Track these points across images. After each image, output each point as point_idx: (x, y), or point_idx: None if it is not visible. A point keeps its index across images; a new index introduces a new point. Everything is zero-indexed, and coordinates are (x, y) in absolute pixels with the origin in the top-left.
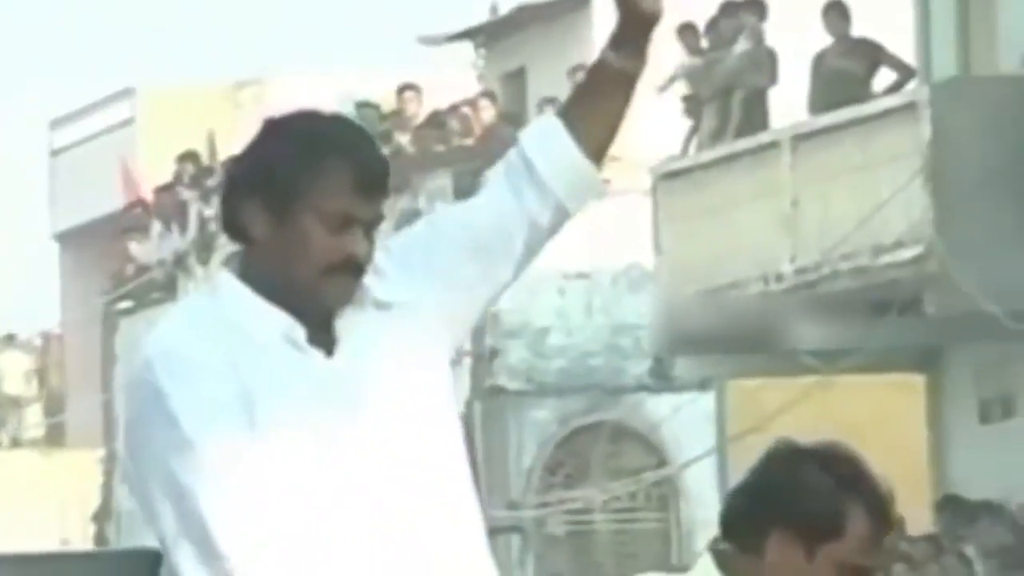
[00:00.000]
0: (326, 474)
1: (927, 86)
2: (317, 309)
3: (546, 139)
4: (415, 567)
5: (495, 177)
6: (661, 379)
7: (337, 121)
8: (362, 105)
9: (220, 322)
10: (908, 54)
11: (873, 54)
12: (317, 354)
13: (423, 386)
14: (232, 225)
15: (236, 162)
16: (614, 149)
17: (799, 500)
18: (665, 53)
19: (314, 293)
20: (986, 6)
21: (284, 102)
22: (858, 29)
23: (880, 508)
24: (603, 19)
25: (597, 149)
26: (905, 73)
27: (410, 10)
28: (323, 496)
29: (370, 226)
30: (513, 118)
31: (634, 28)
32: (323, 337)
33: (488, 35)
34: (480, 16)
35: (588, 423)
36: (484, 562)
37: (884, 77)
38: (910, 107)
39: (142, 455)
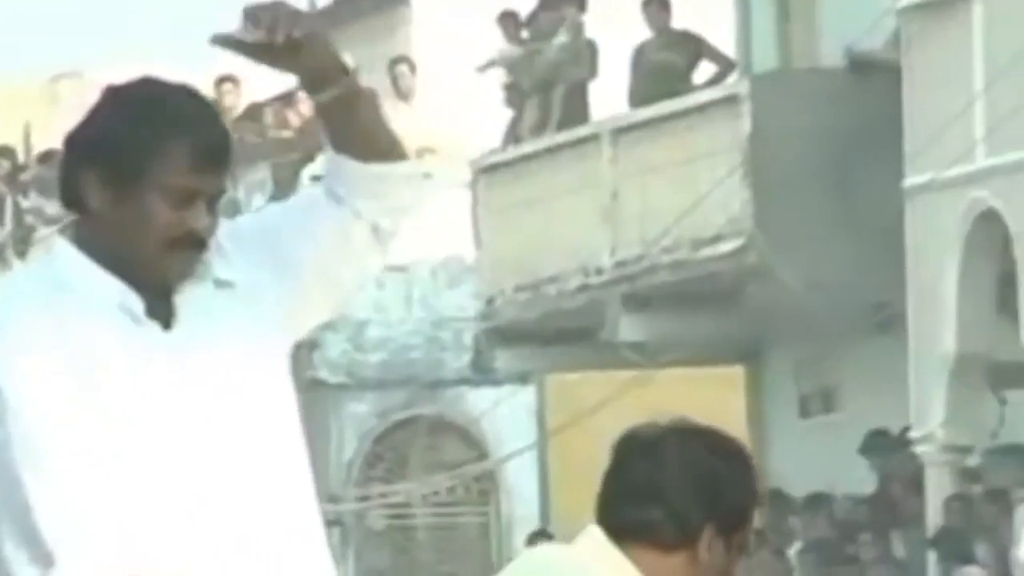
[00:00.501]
0: (156, 450)
1: (747, 79)
2: (157, 283)
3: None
4: (248, 550)
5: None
6: (481, 372)
7: (178, 93)
8: None
9: (53, 288)
10: (729, 47)
11: (693, 47)
12: (154, 326)
13: (260, 368)
14: (69, 194)
15: (77, 129)
16: (432, 142)
17: (732, 495)
18: (488, 40)
19: (154, 267)
20: None
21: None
22: (678, 22)
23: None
24: (422, 11)
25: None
26: (725, 66)
27: (231, 3)
28: (152, 473)
29: (212, 199)
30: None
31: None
32: (161, 310)
33: None
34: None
35: (408, 417)
36: (319, 549)
37: (705, 70)
38: (730, 100)
39: None
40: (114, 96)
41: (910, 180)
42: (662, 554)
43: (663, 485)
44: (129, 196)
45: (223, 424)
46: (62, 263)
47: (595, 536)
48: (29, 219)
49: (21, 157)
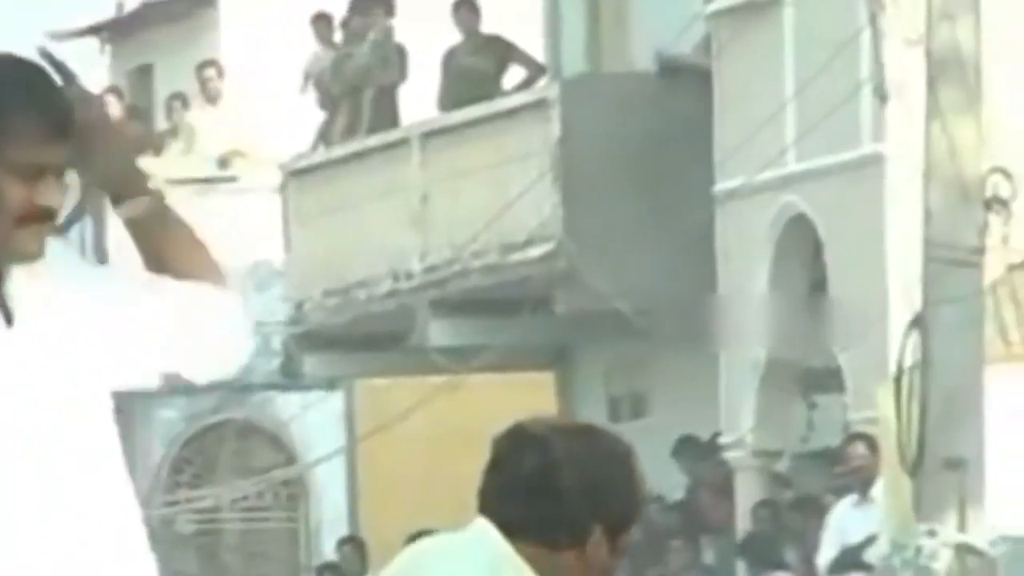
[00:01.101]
0: None
1: (557, 83)
2: (5, 261)
3: None
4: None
5: None
6: (290, 377)
7: (15, 65)
8: None
9: None
10: (538, 51)
11: (503, 51)
12: None
13: (90, 377)
14: None
15: None
16: (241, 146)
17: (621, 497)
18: (297, 43)
19: (5, 245)
20: (617, 2)
21: None
22: (488, 26)
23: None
24: (230, 15)
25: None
26: (535, 70)
27: (37, 5)
28: None
29: (60, 172)
30: (140, 113)
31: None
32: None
33: (114, 31)
34: (106, 13)
35: (216, 421)
36: (140, 552)
37: (515, 74)
38: (540, 104)
39: None
40: None
41: (720, 185)
42: (549, 552)
43: (554, 484)
44: None
45: (49, 429)
46: None
47: (484, 528)
48: None
49: None
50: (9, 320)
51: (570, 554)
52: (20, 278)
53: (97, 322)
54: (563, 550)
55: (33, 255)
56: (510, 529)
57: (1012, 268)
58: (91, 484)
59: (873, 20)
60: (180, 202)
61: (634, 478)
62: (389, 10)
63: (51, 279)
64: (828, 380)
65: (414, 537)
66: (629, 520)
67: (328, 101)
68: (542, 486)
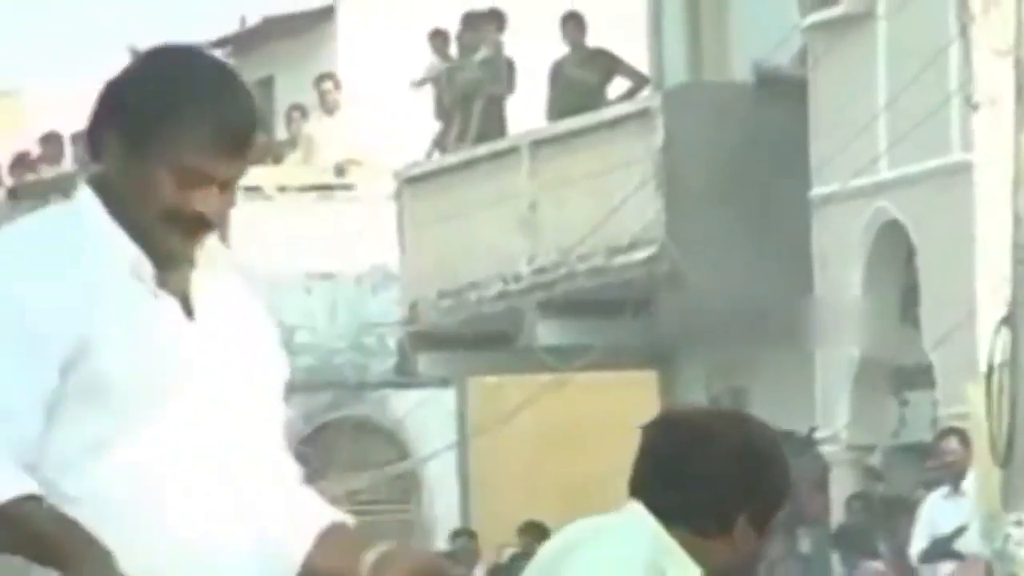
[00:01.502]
0: (191, 413)
1: (659, 93)
2: (159, 254)
3: None
4: (243, 518)
5: None
6: (405, 376)
7: (211, 68)
8: (79, 136)
9: (74, 242)
10: (642, 63)
11: (608, 63)
12: (171, 302)
13: (269, 370)
14: (94, 149)
15: (111, 81)
16: (357, 155)
17: (769, 487)
18: (411, 56)
19: (152, 237)
20: (717, 15)
21: (39, 115)
22: (593, 39)
23: None
24: (347, 30)
25: None
26: (638, 81)
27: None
28: (188, 433)
29: (225, 185)
30: (261, 124)
31: None
32: (173, 282)
33: (237, 45)
34: (230, 27)
35: (333, 419)
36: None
37: (619, 85)
38: (643, 113)
39: None
40: (139, 61)
41: (816, 191)
42: (698, 538)
43: (705, 472)
44: (140, 160)
45: (235, 412)
46: (86, 218)
47: (640, 511)
48: None
49: None
50: (190, 314)
51: (718, 541)
52: (197, 277)
53: (256, 316)
54: (711, 537)
55: (181, 256)
56: (660, 514)
57: None
58: (272, 448)
59: (963, 32)
60: (299, 209)
61: (782, 465)
62: (500, 25)
63: (218, 279)
64: (919, 377)
65: (524, 529)
66: (777, 506)
67: (442, 111)
68: (693, 473)
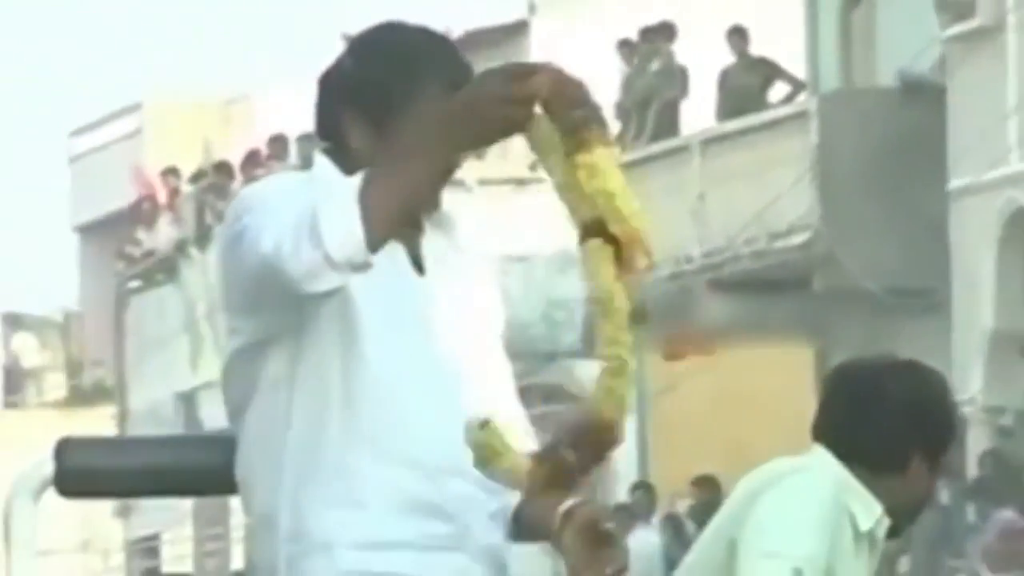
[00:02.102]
0: (421, 357)
1: (815, 97)
2: (414, 218)
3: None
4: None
5: None
6: (590, 346)
7: (427, 35)
8: (304, 137)
9: (306, 185)
10: (799, 70)
11: (769, 71)
12: (399, 252)
13: (493, 321)
14: (330, 131)
15: (332, 71)
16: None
17: (938, 426)
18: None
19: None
20: (867, 27)
21: (268, 117)
22: (756, 49)
23: None
24: (540, 41)
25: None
26: (796, 86)
27: (346, 25)
28: (418, 374)
29: None
30: None
31: None
32: (407, 240)
33: None
34: None
35: (526, 385)
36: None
37: (779, 89)
38: (800, 115)
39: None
40: (367, 42)
41: (953, 183)
42: (877, 476)
43: (879, 416)
44: (390, 133)
45: (459, 358)
46: (328, 179)
47: (824, 453)
48: (208, 219)
49: (195, 167)
50: (420, 270)
51: (894, 477)
52: (430, 240)
53: (485, 280)
54: (889, 475)
55: (433, 207)
56: (842, 456)
57: None
58: (498, 395)
59: None
60: (498, 199)
61: (949, 406)
62: (671, 36)
63: (445, 243)
64: None
65: (696, 481)
66: (946, 444)
67: (622, 113)
68: (869, 417)
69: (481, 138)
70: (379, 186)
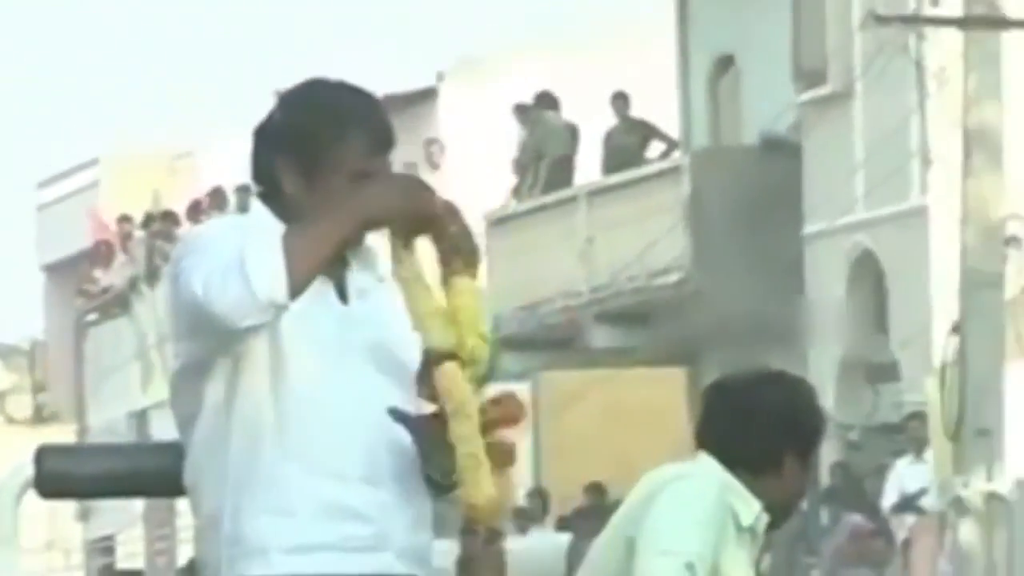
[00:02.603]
0: (336, 378)
1: (687, 154)
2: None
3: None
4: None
5: None
6: (491, 370)
7: (352, 93)
8: (241, 189)
9: (243, 225)
10: (673, 130)
11: (647, 131)
12: (330, 290)
13: (407, 343)
14: (264, 178)
15: (266, 124)
16: (456, 201)
17: (806, 428)
18: (497, 125)
19: None
20: (732, 93)
21: (210, 171)
22: (636, 111)
23: None
24: (447, 105)
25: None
26: (671, 144)
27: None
28: (331, 394)
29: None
30: None
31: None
32: (333, 272)
33: None
34: None
35: None
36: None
37: (656, 147)
38: (674, 170)
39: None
40: (299, 97)
41: (808, 228)
42: (755, 477)
43: (758, 423)
44: (319, 179)
45: (379, 377)
46: (256, 223)
47: (708, 459)
48: (156, 260)
49: (145, 214)
50: (345, 299)
51: (771, 477)
52: (353, 273)
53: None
54: (765, 474)
55: (360, 243)
56: (724, 461)
57: None
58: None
59: (922, 105)
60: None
61: (816, 410)
62: (556, 103)
63: (366, 275)
64: (888, 372)
65: (587, 488)
66: (815, 443)
67: (519, 168)
68: (747, 425)
69: (384, 220)
70: (301, 240)
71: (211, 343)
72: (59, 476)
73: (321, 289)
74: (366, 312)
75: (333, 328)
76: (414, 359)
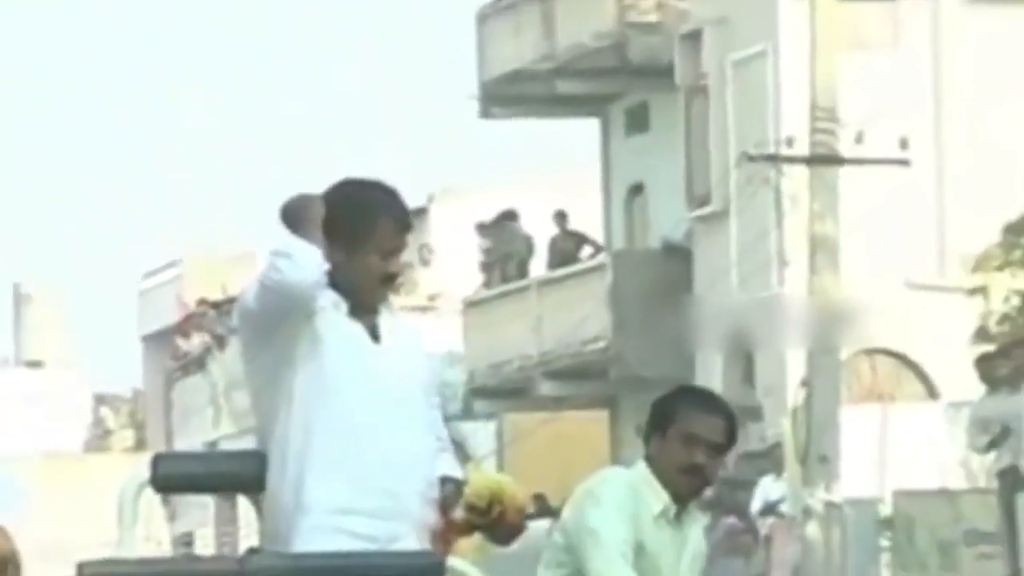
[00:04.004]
0: (367, 405)
1: (610, 255)
2: (371, 304)
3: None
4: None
5: None
6: (468, 412)
7: (379, 188)
8: None
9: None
10: (599, 236)
11: (580, 238)
12: (360, 327)
13: (424, 373)
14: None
15: (326, 209)
16: (442, 289)
17: (690, 403)
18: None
19: (373, 294)
20: (642, 209)
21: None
22: (573, 224)
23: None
24: (436, 220)
25: None
26: (597, 248)
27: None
28: (362, 421)
29: (402, 251)
30: None
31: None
32: (367, 319)
33: None
34: None
35: None
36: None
37: (586, 251)
38: (600, 267)
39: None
40: (336, 192)
41: (696, 309)
42: (648, 450)
43: (652, 407)
44: (356, 256)
45: (406, 405)
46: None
47: (616, 468)
48: (223, 332)
49: (213, 299)
50: (377, 339)
51: (656, 441)
52: (383, 318)
53: (419, 345)
54: (652, 439)
55: (386, 300)
56: (646, 458)
57: (854, 355)
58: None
59: (779, 222)
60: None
61: (706, 398)
62: (515, 217)
63: (395, 317)
64: (755, 414)
65: (534, 497)
66: (693, 421)
67: (486, 267)
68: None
69: None
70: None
71: (275, 351)
72: (167, 476)
73: (356, 330)
74: (396, 348)
75: (368, 362)
76: (431, 380)
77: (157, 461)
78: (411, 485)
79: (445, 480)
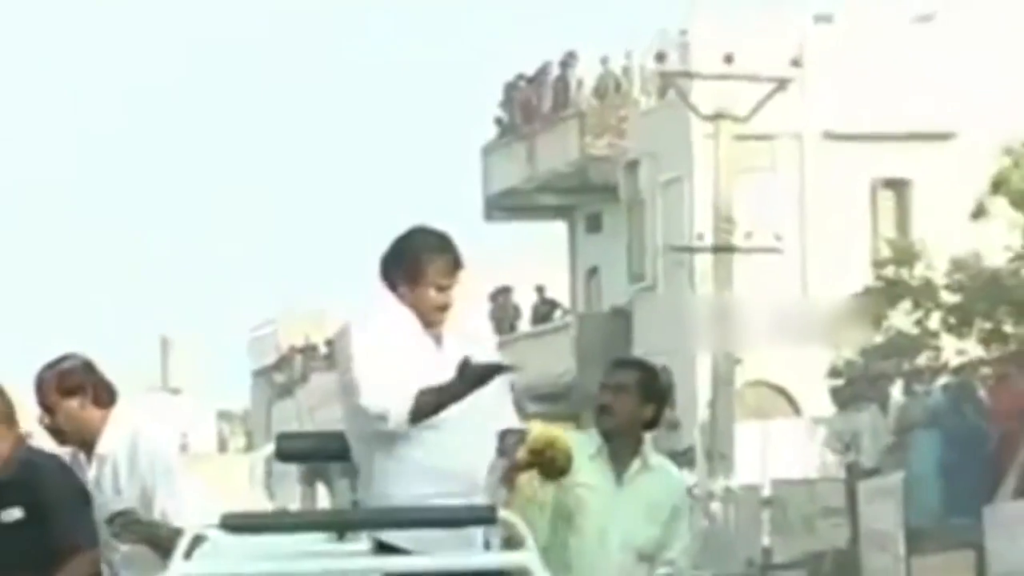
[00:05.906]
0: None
1: (574, 316)
2: (429, 325)
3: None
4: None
5: None
6: None
7: (435, 235)
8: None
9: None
10: (566, 301)
11: (551, 305)
12: (431, 342)
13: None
14: (387, 283)
15: (387, 255)
16: (460, 327)
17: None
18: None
19: (430, 320)
20: (597, 286)
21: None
22: (549, 293)
23: None
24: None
25: None
26: (565, 311)
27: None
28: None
29: (452, 286)
30: None
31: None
32: (432, 333)
33: None
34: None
35: None
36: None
37: (558, 313)
38: (566, 325)
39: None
40: (404, 239)
41: (636, 352)
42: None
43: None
44: (417, 288)
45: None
46: (391, 318)
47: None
48: (307, 371)
49: (302, 346)
50: (439, 344)
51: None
52: (446, 332)
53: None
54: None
55: (441, 324)
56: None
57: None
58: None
59: (694, 291)
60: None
61: (625, 362)
62: (508, 294)
63: (459, 333)
64: (675, 426)
65: None
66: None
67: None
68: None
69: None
70: (429, 399)
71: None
72: (289, 449)
73: (424, 340)
74: (455, 353)
75: (432, 365)
76: (504, 382)
77: (280, 438)
78: (477, 472)
79: (510, 432)
